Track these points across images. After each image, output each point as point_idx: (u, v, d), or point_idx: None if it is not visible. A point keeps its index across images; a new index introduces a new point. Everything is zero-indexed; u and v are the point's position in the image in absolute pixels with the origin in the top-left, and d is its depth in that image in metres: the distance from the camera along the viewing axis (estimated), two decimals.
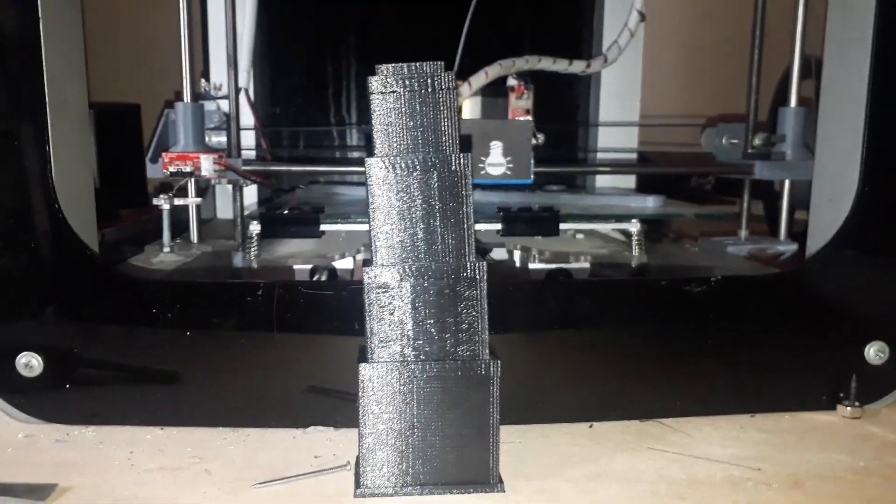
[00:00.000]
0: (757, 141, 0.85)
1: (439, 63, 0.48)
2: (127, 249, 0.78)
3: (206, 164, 0.74)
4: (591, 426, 0.59)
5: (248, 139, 0.90)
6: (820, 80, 0.66)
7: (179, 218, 0.80)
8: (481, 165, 0.70)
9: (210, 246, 0.80)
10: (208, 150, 0.77)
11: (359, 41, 1.09)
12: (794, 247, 0.81)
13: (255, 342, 0.57)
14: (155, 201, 0.76)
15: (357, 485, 0.48)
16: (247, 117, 0.91)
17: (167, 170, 0.74)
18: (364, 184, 0.48)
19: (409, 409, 0.48)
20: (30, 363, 0.56)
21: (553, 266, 0.74)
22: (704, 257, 0.84)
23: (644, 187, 1.04)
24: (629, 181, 1.09)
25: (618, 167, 1.05)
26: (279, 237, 0.74)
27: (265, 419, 0.57)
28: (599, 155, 1.08)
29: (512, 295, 0.59)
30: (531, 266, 0.74)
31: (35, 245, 0.56)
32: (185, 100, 0.76)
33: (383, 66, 0.48)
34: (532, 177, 0.71)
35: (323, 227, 0.70)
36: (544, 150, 1.10)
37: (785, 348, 0.61)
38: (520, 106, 0.73)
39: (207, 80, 0.90)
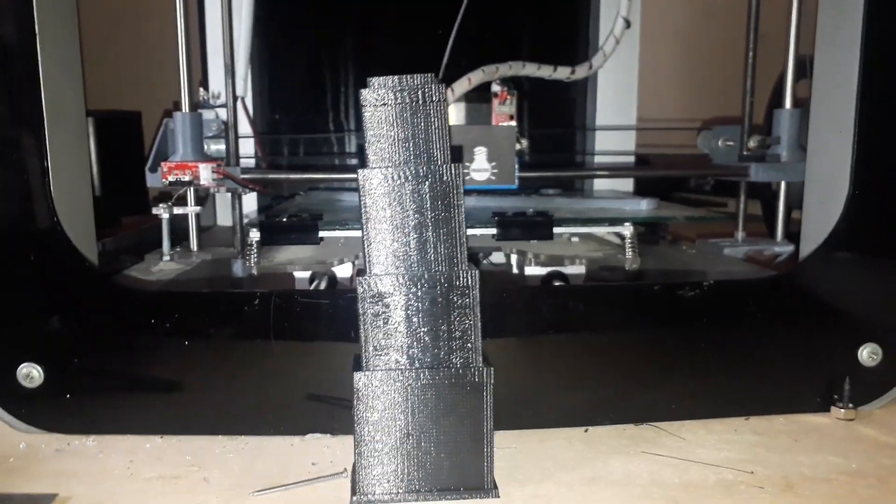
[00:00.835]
0: (752, 143, 0.85)
1: (429, 75, 0.48)
2: (127, 258, 0.78)
3: (205, 173, 0.75)
4: (586, 430, 0.59)
5: (248, 147, 0.91)
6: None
7: (180, 225, 0.81)
8: (466, 171, 0.70)
9: (210, 254, 0.81)
10: (207, 158, 0.77)
11: (356, 48, 1.09)
12: (790, 248, 0.82)
13: (252, 351, 0.58)
14: (154, 210, 0.77)
15: (353, 491, 0.49)
16: (245, 125, 0.92)
17: (166, 179, 0.75)
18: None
19: (404, 416, 0.48)
20: (30, 374, 0.56)
21: (547, 270, 0.74)
22: (700, 259, 0.85)
23: (643, 189, 1.05)
24: (627, 184, 1.09)
25: (611, 171, 1.05)
26: (278, 244, 0.74)
27: (263, 427, 0.58)
28: (596, 158, 1.09)
29: (506, 300, 0.59)
30: (527, 270, 0.75)
31: (34, 257, 0.56)
32: (184, 109, 0.77)
33: (375, 79, 0.48)
34: (517, 182, 0.72)
35: (322, 234, 0.71)
36: (541, 155, 1.11)
37: (779, 351, 0.61)
38: (503, 111, 0.74)
39: (206, 88, 0.90)
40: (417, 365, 0.48)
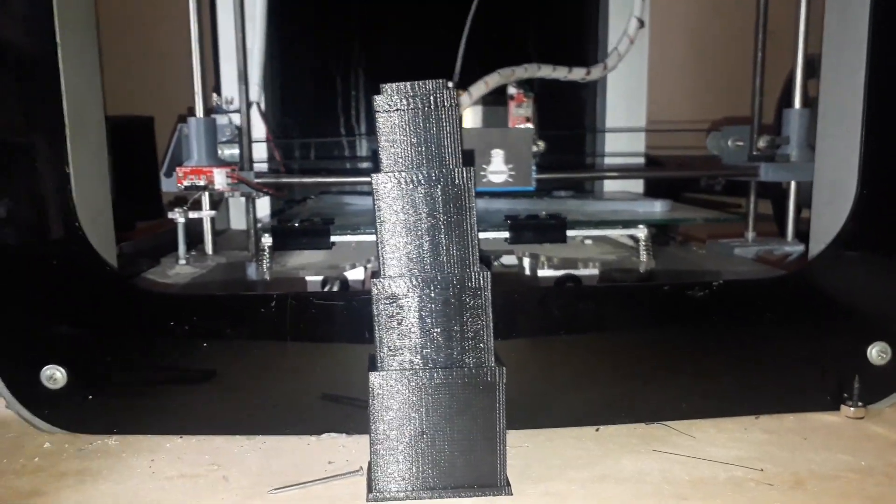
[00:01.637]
0: (761, 143, 0.86)
1: (441, 81, 0.49)
2: (144, 262, 0.80)
3: (220, 178, 0.76)
4: (597, 429, 0.60)
5: (261, 152, 0.92)
6: None
7: (194, 229, 0.82)
8: (483, 173, 0.71)
9: (224, 257, 0.82)
10: (221, 163, 0.79)
11: (368, 52, 1.11)
12: (801, 248, 0.82)
13: (269, 352, 0.59)
14: (170, 215, 0.78)
15: (369, 489, 0.50)
16: (258, 130, 0.93)
17: (181, 184, 0.76)
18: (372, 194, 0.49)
19: (418, 415, 0.49)
20: (54, 376, 0.58)
21: (561, 273, 0.75)
22: (711, 260, 0.85)
23: (654, 190, 1.05)
24: (638, 185, 1.10)
25: (623, 172, 1.06)
26: (290, 249, 0.75)
27: (280, 427, 0.59)
28: (607, 160, 1.09)
29: (518, 302, 0.60)
30: (540, 272, 0.75)
31: (57, 262, 0.58)
32: (198, 115, 0.78)
33: (387, 85, 0.49)
34: (534, 184, 0.73)
35: (333, 239, 0.72)
36: (551, 156, 1.11)
37: (788, 350, 0.62)
38: (520, 114, 0.75)
39: (219, 94, 0.92)
40: (431, 365, 0.49)
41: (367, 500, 0.49)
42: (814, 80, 0.80)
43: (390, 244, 0.49)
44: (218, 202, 0.97)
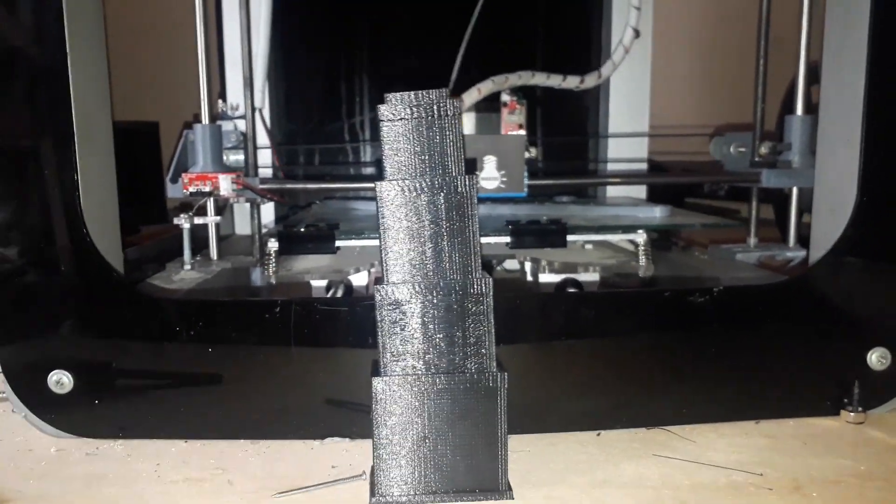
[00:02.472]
0: (763, 149, 0.86)
1: (444, 90, 0.50)
2: (149, 267, 0.80)
3: (225, 184, 0.77)
4: (598, 434, 0.60)
5: (265, 158, 0.93)
6: None
7: (200, 234, 0.83)
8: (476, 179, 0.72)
9: (229, 262, 0.82)
10: (226, 169, 0.79)
11: (371, 60, 1.11)
12: (802, 253, 0.82)
13: (273, 357, 0.59)
14: (175, 221, 0.79)
15: (372, 493, 0.50)
16: (263, 136, 0.94)
17: (187, 190, 0.77)
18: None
19: (421, 420, 0.50)
20: (61, 381, 0.59)
21: (562, 278, 0.75)
22: (712, 266, 0.86)
23: (656, 196, 1.06)
24: (640, 191, 1.10)
25: (621, 177, 1.06)
26: (296, 254, 0.76)
27: (284, 431, 0.60)
28: (610, 165, 1.10)
29: (519, 307, 0.61)
30: (541, 277, 0.76)
31: (65, 268, 0.58)
32: (203, 121, 0.79)
33: (391, 95, 0.50)
34: (526, 190, 0.73)
35: (338, 243, 0.72)
36: (554, 162, 1.12)
37: (789, 355, 0.62)
38: (512, 121, 0.76)
39: (224, 100, 0.92)
40: (433, 370, 0.50)
41: None
42: (817, 86, 0.80)
43: (393, 251, 0.50)
44: (223, 207, 0.98)
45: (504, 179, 0.73)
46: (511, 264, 0.85)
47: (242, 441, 0.60)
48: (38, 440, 0.60)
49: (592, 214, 0.91)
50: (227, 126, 0.85)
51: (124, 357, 0.59)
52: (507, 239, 0.74)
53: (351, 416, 0.59)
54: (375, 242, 0.73)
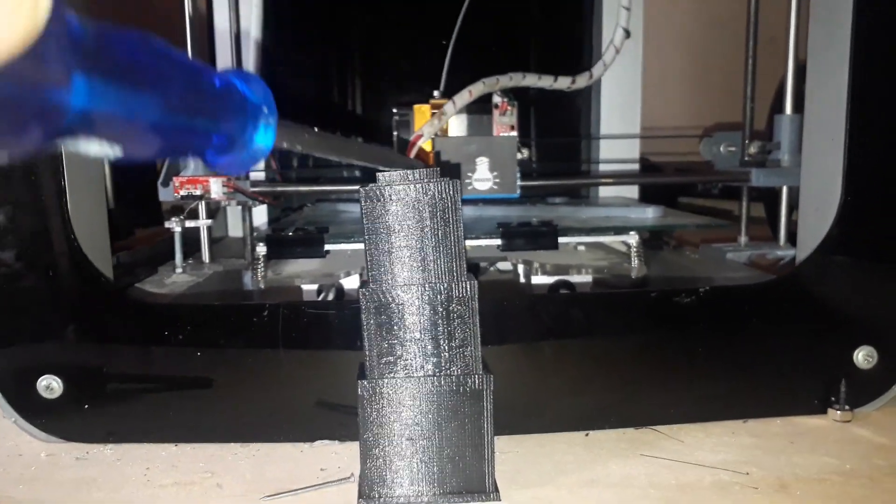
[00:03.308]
0: (752, 149, 0.87)
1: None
2: (141, 270, 0.81)
3: (216, 187, 0.77)
4: (586, 435, 0.61)
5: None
6: None
7: (193, 237, 0.83)
8: (468, 181, 0.72)
9: (221, 265, 0.83)
10: (218, 173, 0.79)
11: (363, 60, 1.12)
12: (792, 252, 0.83)
13: (262, 361, 0.60)
14: (167, 224, 0.79)
15: (359, 496, 0.50)
16: None
17: (178, 193, 0.77)
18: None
19: (407, 422, 0.50)
20: (50, 385, 0.59)
21: (554, 279, 0.76)
22: (703, 265, 0.86)
23: (649, 196, 1.06)
24: (633, 192, 1.10)
25: (611, 178, 1.07)
26: (284, 258, 0.76)
27: (274, 434, 0.60)
28: (602, 166, 1.10)
29: (507, 309, 0.61)
30: (533, 279, 0.76)
31: (53, 274, 0.59)
32: None
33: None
34: (518, 191, 0.74)
35: (327, 247, 0.73)
36: (546, 163, 1.12)
37: (776, 354, 0.62)
38: (504, 122, 0.76)
39: None
40: (419, 373, 0.50)
41: None
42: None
43: (377, 254, 0.50)
44: (216, 210, 0.99)
45: (497, 181, 0.74)
46: (504, 266, 0.85)
47: (232, 444, 0.60)
48: (27, 445, 0.60)
49: (584, 216, 0.91)
50: None
51: (114, 361, 0.59)
52: (498, 241, 0.74)
53: (340, 419, 0.60)
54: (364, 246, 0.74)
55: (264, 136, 0.32)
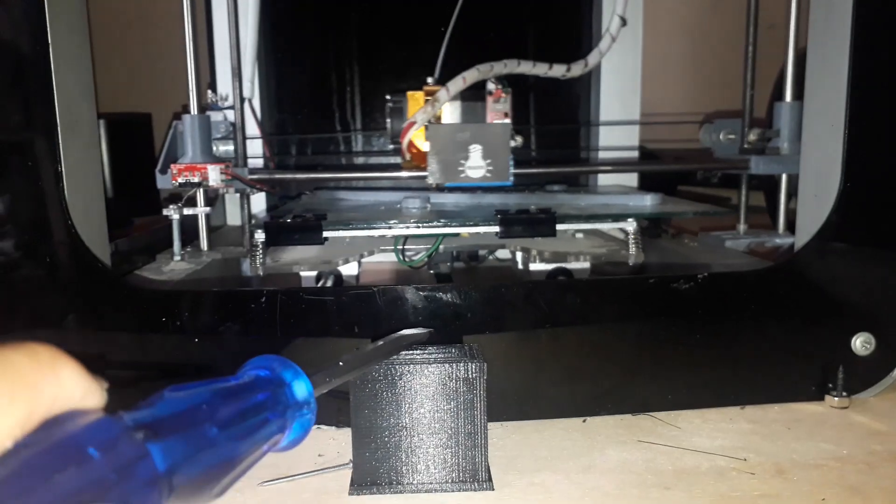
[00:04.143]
0: (752, 136, 0.86)
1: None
2: (140, 258, 0.81)
3: (214, 175, 0.77)
4: (584, 421, 0.61)
5: (255, 148, 0.93)
6: None
7: (192, 225, 0.83)
8: (461, 168, 0.72)
9: (219, 253, 0.83)
10: (216, 160, 0.79)
11: (360, 48, 1.11)
12: (791, 240, 0.82)
13: (260, 347, 0.60)
14: (165, 212, 0.79)
15: (351, 483, 0.51)
16: (252, 126, 0.94)
17: (176, 181, 0.77)
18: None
19: (400, 410, 0.50)
20: None
21: (552, 267, 0.75)
22: (702, 252, 0.86)
23: (649, 183, 1.06)
24: (632, 179, 1.10)
25: (609, 165, 1.07)
26: (282, 245, 0.76)
27: None
28: (601, 153, 1.10)
29: (506, 295, 0.61)
30: (531, 266, 0.76)
31: (51, 260, 0.59)
32: (192, 112, 0.79)
33: None
34: (511, 179, 0.73)
35: (325, 234, 0.72)
36: (545, 150, 1.12)
37: (774, 341, 0.63)
38: (498, 109, 0.75)
39: (214, 90, 0.92)
40: (412, 360, 0.50)
41: (350, 494, 0.50)
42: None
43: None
44: (214, 198, 0.98)
45: (490, 168, 0.73)
46: (503, 254, 0.85)
47: None
48: None
49: (583, 203, 0.91)
50: (216, 116, 0.85)
51: (112, 348, 0.59)
52: (497, 229, 0.74)
53: (339, 405, 0.60)
54: (363, 233, 0.74)
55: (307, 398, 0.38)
